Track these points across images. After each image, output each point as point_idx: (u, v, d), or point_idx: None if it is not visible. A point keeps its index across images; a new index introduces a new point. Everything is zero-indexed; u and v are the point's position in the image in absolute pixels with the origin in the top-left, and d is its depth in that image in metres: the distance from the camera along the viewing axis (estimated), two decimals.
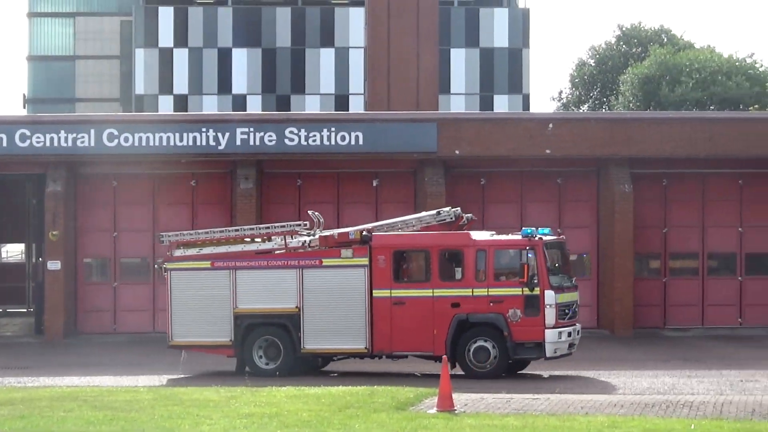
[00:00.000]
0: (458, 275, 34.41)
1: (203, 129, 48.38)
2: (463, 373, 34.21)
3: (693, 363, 39.26)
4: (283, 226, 35.91)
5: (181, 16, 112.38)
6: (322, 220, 36.36)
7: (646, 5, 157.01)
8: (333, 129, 48.26)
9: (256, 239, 36.42)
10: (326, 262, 34.94)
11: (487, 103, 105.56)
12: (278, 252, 35.74)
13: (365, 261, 34.52)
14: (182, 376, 36.21)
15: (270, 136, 48.17)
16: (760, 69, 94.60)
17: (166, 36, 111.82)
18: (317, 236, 35.25)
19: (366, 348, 34.71)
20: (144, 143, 48.09)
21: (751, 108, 77.89)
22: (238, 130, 48.26)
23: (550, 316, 33.39)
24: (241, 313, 35.44)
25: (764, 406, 27.77)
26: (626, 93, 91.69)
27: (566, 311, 34.33)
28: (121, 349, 45.92)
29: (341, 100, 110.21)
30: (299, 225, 35.91)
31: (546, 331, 33.38)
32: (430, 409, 26.56)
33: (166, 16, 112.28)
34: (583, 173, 50.87)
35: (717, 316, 50.36)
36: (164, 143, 48.14)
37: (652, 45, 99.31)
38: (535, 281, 33.41)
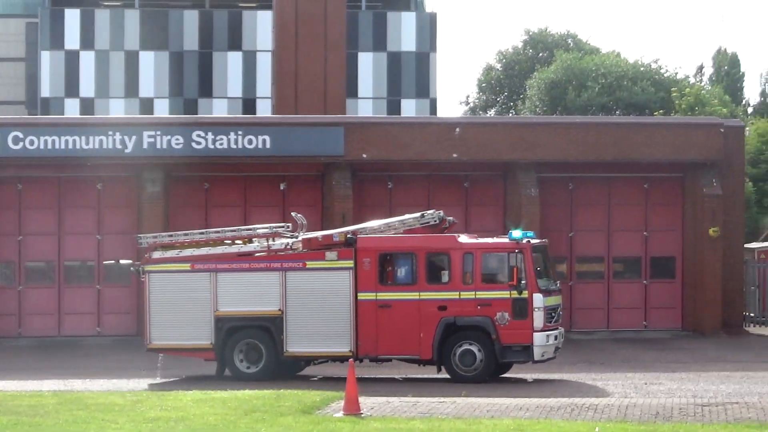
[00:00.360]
0: (445, 278, 33.99)
1: (110, 132, 48.14)
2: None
3: (598, 366, 39.53)
4: (266, 229, 35.61)
5: (87, 18, 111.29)
6: (305, 222, 35.89)
7: (553, 10, 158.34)
8: (240, 132, 48.42)
9: (237, 241, 35.98)
10: (310, 264, 34.47)
11: (394, 107, 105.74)
12: (260, 254, 35.27)
13: (350, 263, 34.06)
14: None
15: (177, 139, 48.23)
16: (665, 74, 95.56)
17: (72, 38, 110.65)
18: (300, 238, 34.89)
19: (351, 351, 33.94)
20: (50, 146, 47.88)
21: (656, 113, 78.57)
22: (145, 134, 48.25)
23: (538, 319, 33.03)
24: (222, 316, 34.90)
25: (668, 408, 28.13)
26: (533, 98, 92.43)
27: (552, 314, 34.11)
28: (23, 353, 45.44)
29: (249, 104, 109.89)
30: (282, 227, 35.74)
31: (534, 334, 33.04)
32: (337, 412, 26.71)
33: (72, 18, 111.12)
34: (490, 177, 51.39)
35: (622, 319, 50.89)
36: (70, 146, 47.93)
37: (559, 50, 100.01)
38: (523, 284, 32.99)
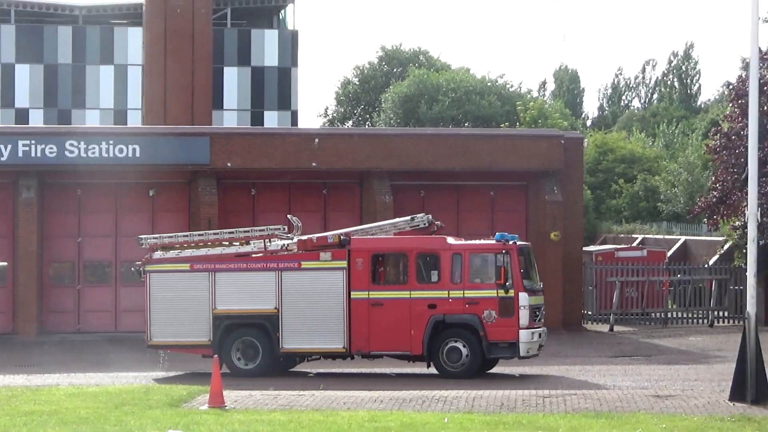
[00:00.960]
0: (435, 278, 33.40)
1: None
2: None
3: None
4: (262, 230, 35.27)
5: None
6: (300, 224, 35.26)
7: (406, 28, 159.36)
8: (111, 142, 48.10)
9: (234, 243, 35.53)
10: (305, 264, 33.93)
11: (257, 119, 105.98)
12: (257, 255, 34.65)
13: (343, 264, 33.47)
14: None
15: (51, 148, 47.76)
16: (511, 89, 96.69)
17: None
18: (296, 240, 34.34)
19: (344, 348, 33.65)
20: None
21: (502, 125, 79.38)
22: (20, 143, 47.67)
23: (524, 317, 32.49)
24: (220, 314, 34.40)
25: (512, 399, 28.41)
26: (388, 110, 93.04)
27: (536, 313, 33.48)
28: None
29: (120, 115, 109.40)
30: (278, 229, 35.00)
31: (520, 331, 32.49)
32: (202, 405, 26.78)
33: None
34: (347, 184, 51.46)
35: None
36: None
37: (412, 66, 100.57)
38: (510, 284, 32.51)
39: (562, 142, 52.52)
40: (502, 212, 51.75)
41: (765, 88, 45.48)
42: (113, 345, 45.56)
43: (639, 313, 53.25)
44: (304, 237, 34.29)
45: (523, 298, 32.30)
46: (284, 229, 34.58)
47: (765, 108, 44.08)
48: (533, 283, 34.05)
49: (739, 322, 47.39)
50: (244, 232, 35.57)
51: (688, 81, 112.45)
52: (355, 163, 50.04)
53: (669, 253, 60.00)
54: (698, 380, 32.78)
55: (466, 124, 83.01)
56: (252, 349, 34.11)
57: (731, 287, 50.62)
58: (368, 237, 34.75)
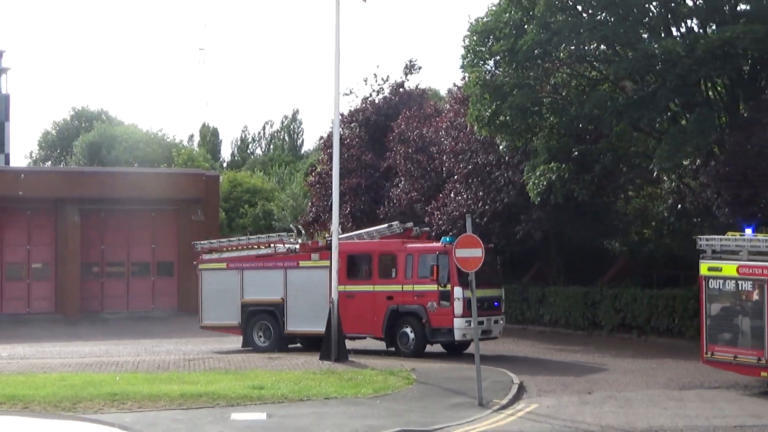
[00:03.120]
0: (393, 274, 31.08)
1: None
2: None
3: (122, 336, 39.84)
4: (272, 236, 34.59)
5: None
6: (303, 231, 34.70)
7: (92, 92, 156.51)
8: None
9: (254, 246, 34.07)
10: (302, 263, 32.22)
11: None
12: (270, 256, 33.01)
13: (327, 263, 30.88)
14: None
15: None
16: (168, 139, 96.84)
17: None
18: (299, 244, 32.73)
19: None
20: None
21: (162, 165, 79.58)
22: None
23: (458, 307, 29.61)
24: (246, 303, 33.20)
25: (167, 362, 29.07)
26: (78, 154, 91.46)
27: (484, 305, 29.63)
28: None
29: None
30: (286, 235, 34.22)
31: (455, 319, 29.78)
32: None
33: None
34: (45, 208, 50.55)
35: (137, 303, 51.08)
36: None
37: (96, 121, 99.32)
38: (446, 279, 29.79)
39: (204, 178, 54.46)
40: (161, 228, 52.25)
41: (346, 141, 47.56)
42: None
43: None
44: (305, 242, 33.06)
45: (458, 292, 29.62)
46: (293, 235, 33.95)
47: (345, 155, 45.86)
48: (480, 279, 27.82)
49: None
50: (265, 237, 35.03)
51: (295, 136, 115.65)
52: (52, 192, 49.41)
53: None
54: (300, 346, 33.44)
55: (135, 165, 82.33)
56: (268, 330, 32.91)
57: None
58: (346, 241, 32.70)
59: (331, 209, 32.64)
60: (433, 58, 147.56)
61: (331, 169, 32.90)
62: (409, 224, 33.96)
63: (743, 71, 32.04)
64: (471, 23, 33.91)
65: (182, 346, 35.20)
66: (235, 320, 33.30)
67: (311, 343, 31.82)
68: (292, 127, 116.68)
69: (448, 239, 29.99)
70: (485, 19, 33.69)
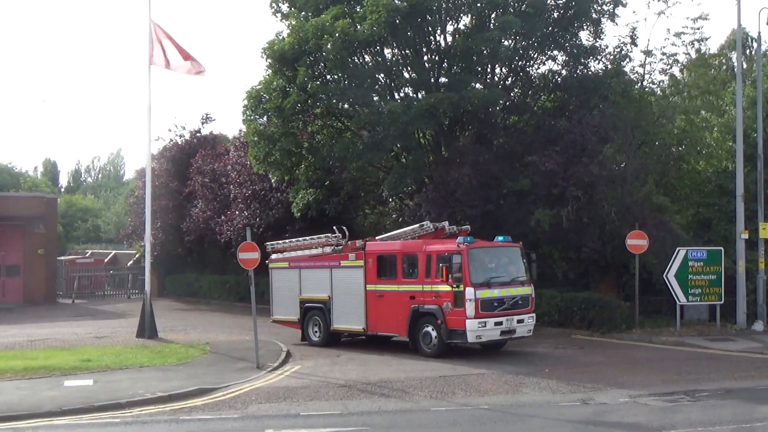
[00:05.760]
0: (415, 274, 24.27)
1: None
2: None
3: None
4: (319, 237, 27.39)
5: None
6: (347, 233, 27.03)
7: None
8: None
9: (312, 246, 27.54)
10: (343, 263, 25.96)
11: None
12: (319, 256, 26.89)
13: (362, 263, 25.33)
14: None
15: None
16: (16, 170, 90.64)
17: None
18: (343, 244, 26.35)
19: (363, 329, 25.49)
20: None
21: (11, 190, 74.40)
22: None
23: (470, 308, 22.70)
24: (303, 299, 27.11)
25: (17, 344, 27.02)
26: None
27: (496, 304, 23.12)
28: None
29: None
30: (333, 237, 26.85)
31: (467, 320, 22.78)
32: None
33: None
34: None
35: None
36: None
37: None
38: (459, 280, 22.90)
39: (45, 200, 50.97)
40: (10, 239, 48.76)
41: (156, 172, 46.34)
42: None
43: (89, 293, 51.79)
44: (348, 243, 26.50)
45: (469, 293, 22.72)
46: (339, 236, 26.81)
47: (156, 183, 44.71)
48: (498, 278, 23.61)
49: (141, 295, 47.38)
50: (318, 238, 27.61)
51: (119, 167, 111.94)
52: None
53: (106, 260, 58.80)
54: (121, 327, 32.40)
55: None
56: (320, 326, 26.81)
57: (140, 277, 50.44)
58: (377, 242, 26.17)
59: (145, 224, 31.48)
60: (226, 109, 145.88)
61: (145, 194, 31.62)
62: (443, 224, 26.54)
63: (444, 125, 33.18)
64: (248, 90, 33.78)
65: (26, 330, 32.68)
66: (295, 315, 27.55)
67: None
68: (116, 161, 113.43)
69: (465, 239, 23.65)
70: (258, 86, 33.64)
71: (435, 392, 18.53)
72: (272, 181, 37.57)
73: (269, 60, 32.91)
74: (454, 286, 22.85)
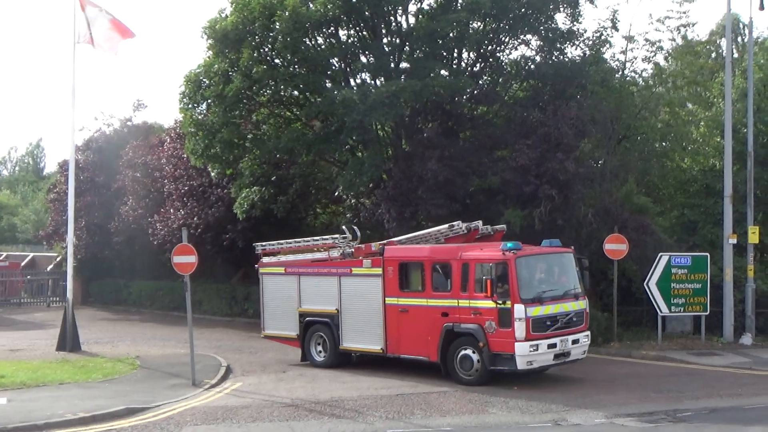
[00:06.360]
0: (448, 286, 21.95)
1: None
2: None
3: None
4: (324, 239, 25.75)
5: None
6: (359, 233, 25.45)
7: None
8: None
9: (313, 249, 25.88)
10: (354, 270, 23.83)
11: None
12: (325, 261, 24.92)
13: (379, 271, 23.18)
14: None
15: None
16: None
17: None
18: (353, 248, 24.35)
19: (381, 349, 23.34)
20: None
21: None
22: None
23: (519, 329, 20.51)
24: (303, 312, 25.05)
25: None
26: None
27: (549, 323, 21.12)
28: None
29: None
30: (342, 238, 25.09)
31: (517, 343, 20.59)
32: None
33: None
34: None
35: None
36: None
37: None
38: (505, 294, 20.74)
39: None
40: None
41: (81, 165, 45.92)
42: None
43: (3, 300, 50.97)
44: (360, 245, 24.54)
45: (519, 310, 20.55)
46: (348, 237, 25.03)
47: (81, 177, 44.37)
48: (550, 291, 21.62)
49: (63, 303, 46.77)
50: (322, 240, 25.94)
51: (38, 160, 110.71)
52: None
53: (23, 263, 57.91)
54: (39, 339, 32.00)
55: None
56: (325, 344, 24.81)
57: (61, 283, 49.75)
58: (398, 246, 23.78)
59: (67, 223, 31.11)
60: (161, 97, 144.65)
61: (68, 189, 31.25)
62: (475, 224, 23.99)
63: (405, 116, 33.29)
64: (186, 75, 33.60)
65: None
66: (293, 331, 25.50)
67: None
68: (35, 152, 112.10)
69: (509, 245, 21.43)
70: (197, 70, 33.45)
71: (392, 412, 18.64)
72: (212, 175, 37.41)
73: (210, 41, 32.76)
74: (500, 302, 20.81)
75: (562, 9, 33.64)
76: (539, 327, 20.95)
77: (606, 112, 32.10)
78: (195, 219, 38.71)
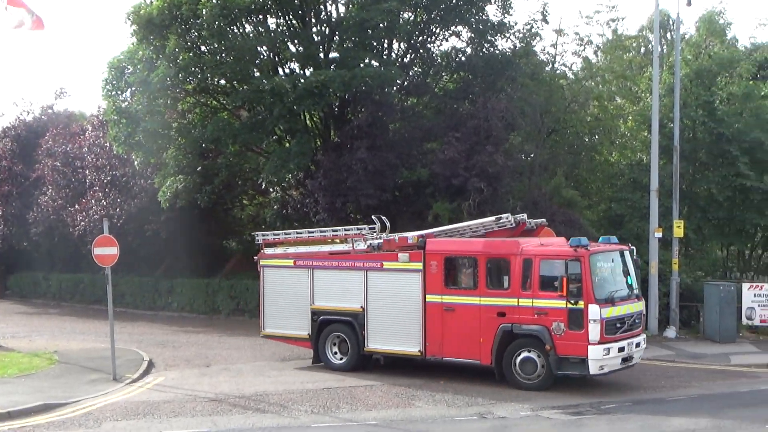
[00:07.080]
0: (505, 284, 20.37)
1: None
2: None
3: None
4: (349, 230, 23.60)
5: None
6: (388, 224, 23.30)
7: None
8: None
9: (329, 240, 23.82)
10: (386, 265, 21.84)
11: None
12: (346, 253, 22.81)
13: (419, 266, 21.36)
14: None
15: None
16: None
17: None
18: (383, 239, 22.31)
19: (420, 352, 21.56)
20: None
21: None
22: None
23: (594, 331, 19.22)
24: (317, 310, 23.04)
25: None
26: None
27: (618, 325, 19.86)
28: None
29: None
30: (367, 229, 23.26)
31: (590, 347, 19.34)
32: None
33: None
34: None
35: None
36: None
37: None
38: (577, 294, 19.39)
39: None
40: None
41: None
42: None
43: None
44: (390, 237, 22.52)
45: (594, 311, 19.24)
46: (374, 228, 23.20)
47: (15, 169, 43.30)
48: (620, 291, 20.35)
49: None
50: (340, 230, 23.90)
51: None
52: None
53: None
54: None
55: None
56: (345, 345, 22.94)
57: None
58: (443, 239, 21.99)
59: None
60: (84, 85, 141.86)
61: None
62: (521, 216, 22.41)
63: (334, 105, 33.27)
64: (109, 61, 33.12)
65: None
66: (304, 330, 23.47)
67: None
68: None
69: (581, 241, 20.15)
70: (121, 56, 33.02)
71: (317, 406, 18.66)
72: (135, 164, 36.88)
73: (134, 26, 32.31)
74: (571, 302, 19.54)
75: (493, 1, 34.01)
76: (611, 329, 19.81)
77: (536, 105, 32.56)
78: (117, 210, 38.31)
